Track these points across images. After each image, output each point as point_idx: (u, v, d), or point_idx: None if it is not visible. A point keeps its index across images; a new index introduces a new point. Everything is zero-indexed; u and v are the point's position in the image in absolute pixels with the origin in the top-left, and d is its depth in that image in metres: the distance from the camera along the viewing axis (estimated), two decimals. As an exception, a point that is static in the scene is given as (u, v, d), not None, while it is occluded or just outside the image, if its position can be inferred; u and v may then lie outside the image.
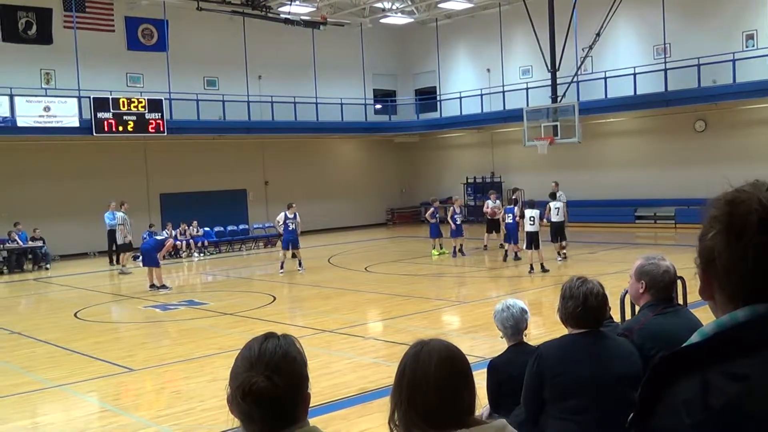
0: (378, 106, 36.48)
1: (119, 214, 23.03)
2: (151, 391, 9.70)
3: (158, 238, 19.21)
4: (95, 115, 25.28)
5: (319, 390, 8.04)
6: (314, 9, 30.45)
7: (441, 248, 22.81)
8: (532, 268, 18.00)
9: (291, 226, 20.50)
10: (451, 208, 22.65)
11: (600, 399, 3.68)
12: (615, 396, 3.59)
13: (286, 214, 20.57)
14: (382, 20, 33.73)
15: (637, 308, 4.62)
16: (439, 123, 34.27)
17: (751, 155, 24.71)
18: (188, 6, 27.24)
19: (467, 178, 34.48)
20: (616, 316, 5.71)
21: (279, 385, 1.95)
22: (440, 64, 35.46)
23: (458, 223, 22.06)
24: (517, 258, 20.18)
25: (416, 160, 37.32)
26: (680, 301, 6.39)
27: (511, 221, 19.88)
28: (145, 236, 25.38)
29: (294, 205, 20.88)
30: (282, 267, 20.40)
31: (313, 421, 2.09)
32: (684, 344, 1.26)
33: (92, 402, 9.26)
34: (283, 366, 1.99)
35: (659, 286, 4.14)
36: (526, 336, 4.84)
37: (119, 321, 15.48)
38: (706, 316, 1.38)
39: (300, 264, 20.71)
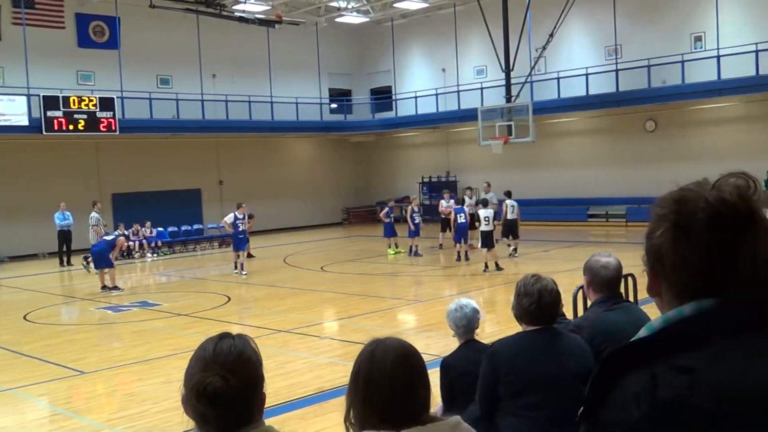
0: (333, 106, 36.43)
1: (93, 215, 22.62)
2: (104, 393, 9.56)
3: (108, 238, 18.87)
4: (45, 114, 24.78)
5: (275, 390, 8.00)
6: (269, 7, 30.29)
7: (396, 247, 22.86)
8: (486, 267, 18.13)
9: (241, 227, 20.04)
10: (410, 207, 22.64)
11: (554, 395, 3.73)
12: (568, 392, 3.63)
13: (235, 215, 20.04)
14: (338, 19, 33.69)
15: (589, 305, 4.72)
16: (394, 122, 34.34)
17: (699, 154, 25.26)
18: (141, 3, 26.85)
19: (423, 178, 34.60)
20: (568, 313, 5.79)
21: (234, 386, 1.94)
22: (396, 64, 35.53)
23: (416, 222, 22.11)
24: (466, 258, 20.24)
25: (372, 159, 37.35)
26: (630, 298, 6.50)
27: (463, 221, 19.97)
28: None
29: (244, 205, 20.47)
30: (243, 268, 19.84)
31: (269, 421, 2.09)
32: (632, 339, 1.28)
33: (43, 405, 9.09)
34: (237, 366, 1.98)
35: (597, 280, 4.24)
36: (477, 335, 4.89)
37: (70, 323, 15.21)
38: (655, 313, 1.41)
39: (242, 267, 19.95)
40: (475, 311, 4.84)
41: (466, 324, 4.80)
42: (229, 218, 20.32)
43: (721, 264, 1.24)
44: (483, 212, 18.57)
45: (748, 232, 1.24)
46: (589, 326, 4.13)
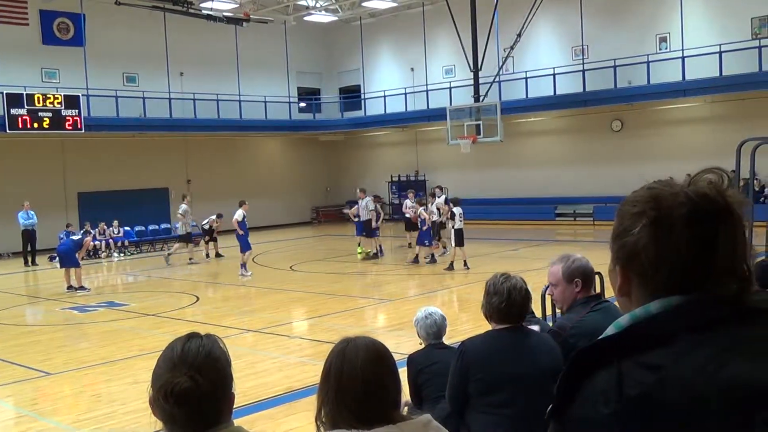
0: (302, 105, 36.30)
1: (182, 206, 22.49)
2: (71, 395, 9.44)
3: (75, 238, 18.62)
4: (8, 112, 24.39)
5: (244, 390, 7.97)
6: (237, 5, 30.11)
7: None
8: (452, 265, 18.15)
9: (247, 225, 19.64)
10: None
11: (523, 392, 3.76)
12: (537, 389, 3.66)
13: (243, 213, 19.61)
14: (306, 18, 33.58)
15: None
16: (363, 121, 34.33)
17: (664, 154, 25.60)
18: (106, 0, 26.57)
19: (392, 177, 34.63)
20: (537, 312, 5.82)
21: (202, 386, 1.93)
22: (364, 63, 35.52)
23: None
24: (433, 260, 19.81)
25: (341, 158, 37.30)
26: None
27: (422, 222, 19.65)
28: (61, 236, 24.69)
29: (246, 203, 20.05)
30: (246, 268, 19.30)
31: (238, 421, 2.08)
32: (600, 337, 1.29)
33: (8, 407, 8.96)
34: (206, 366, 1.97)
35: (589, 276, 4.23)
36: (452, 332, 4.95)
37: (36, 324, 15.00)
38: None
39: (244, 267, 19.36)
40: (444, 318, 4.94)
41: (436, 331, 4.88)
42: (239, 215, 19.61)
43: (702, 259, 1.25)
44: (457, 210, 18.50)
45: (726, 227, 1.25)
46: (573, 327, 4.09)
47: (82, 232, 24.60)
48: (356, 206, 22.59)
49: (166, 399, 1.92)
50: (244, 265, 19.32)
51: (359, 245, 22.86)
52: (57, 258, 19.22)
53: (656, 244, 1.27)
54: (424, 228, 19.73)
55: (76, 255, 17.88)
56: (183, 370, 1.94)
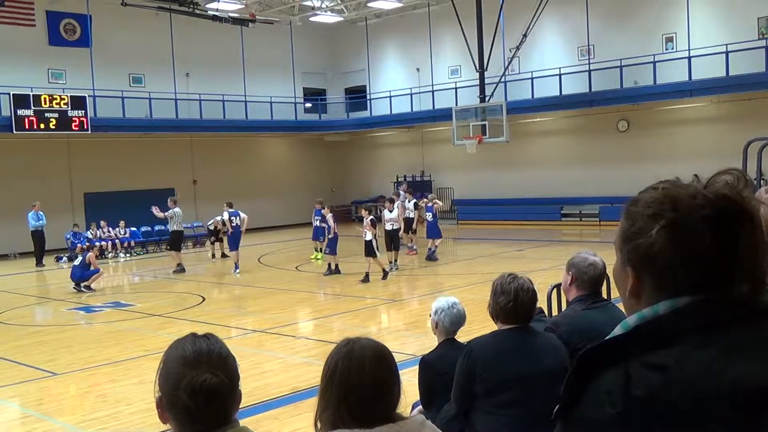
0: (308, 105, 36.33)
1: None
2: (76, 395, 9.45)
3: (76, 263, 18.40)
4: (15, 113, 24.46)
5: (249, 390, 7.97)
6: (243, 6, 30.16)
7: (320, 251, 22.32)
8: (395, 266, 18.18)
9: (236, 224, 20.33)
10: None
11: (529, 393, 3.74)
12: (543, 390, 3.65)
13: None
14: (312, 18, 33.62)
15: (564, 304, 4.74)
16: (369, 122, 34.34)
17: (670, 154, 25.53)
18: (112, 1, 26.63)
19: (397, 177, 34.61)
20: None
21: (225, 382, 1.94)
22: (370, 63, 35.53)
23: (316, 226, 21.55)
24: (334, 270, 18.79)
25: (347, 158, 37.30)
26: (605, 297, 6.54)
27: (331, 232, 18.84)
28: (68, 237, 24.80)
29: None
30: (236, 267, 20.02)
31: (243, 422, 2.07)
32: (607, 337, 1.29)
33: (14, 407, 8.98)
34: (220, 364, 1.97)
35: (583, 278, 4.27)
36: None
37: (42, 324, 15.04)
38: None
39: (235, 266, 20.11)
40: (464, 310, 4.83)
41: (458, 322, 4.72)
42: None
43: (721, 262, 1.23)
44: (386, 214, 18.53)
45: (746, 229, 1.24)
46: (567, 324, 4.15)
47: (89, 232, 24.70)
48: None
49: (192, 396, 1.90)
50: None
51: (316, 251, 22.19)
52: (64, 259, 19.20)
53: (674, 247, 1.24)
54: (330, 236, 18.64)
55: (90, 267, 17.93)
56: (205, 368, 1.93)
